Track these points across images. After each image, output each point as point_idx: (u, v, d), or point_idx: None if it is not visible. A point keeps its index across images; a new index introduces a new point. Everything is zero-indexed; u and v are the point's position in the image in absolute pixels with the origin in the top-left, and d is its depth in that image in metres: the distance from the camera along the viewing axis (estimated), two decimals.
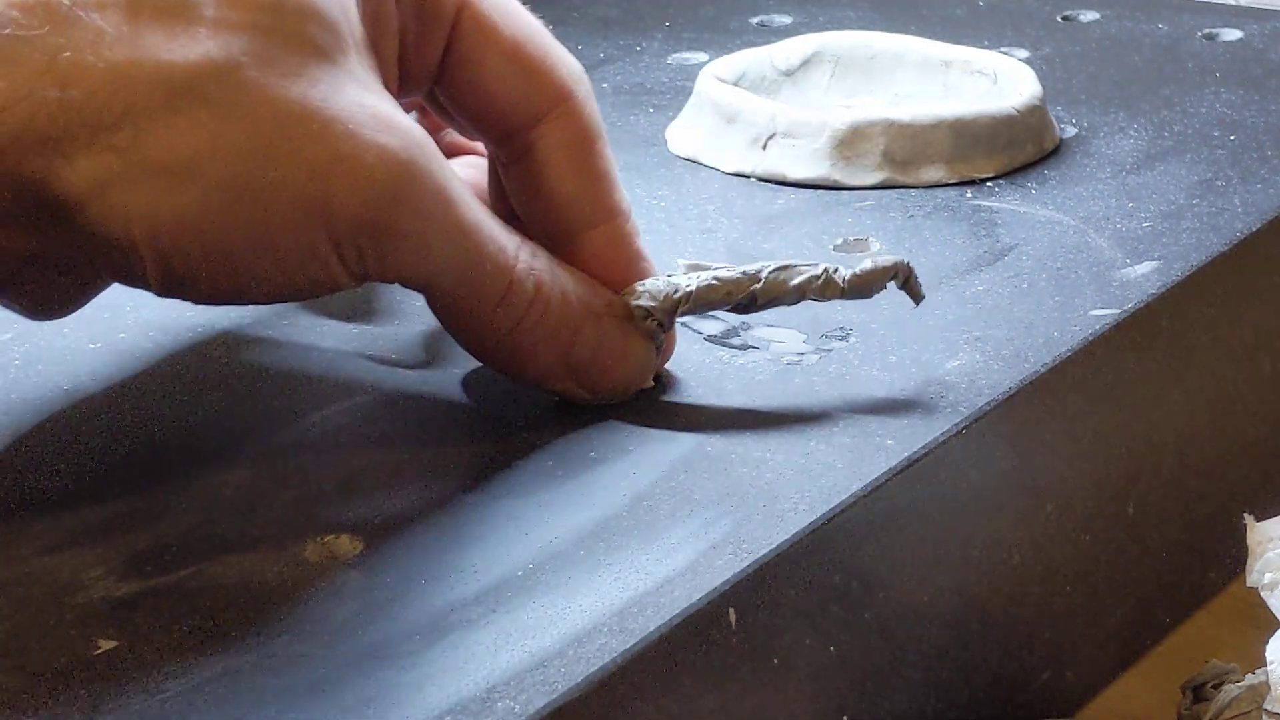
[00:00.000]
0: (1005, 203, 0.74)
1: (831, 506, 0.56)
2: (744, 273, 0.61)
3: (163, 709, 0.50)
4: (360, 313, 0.69)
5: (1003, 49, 0.86)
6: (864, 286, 0.61)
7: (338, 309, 0.69)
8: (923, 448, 0.59)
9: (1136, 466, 0.68)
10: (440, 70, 0.60)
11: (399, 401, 0.63)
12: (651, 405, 0.62)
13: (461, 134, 0.66)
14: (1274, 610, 0.65)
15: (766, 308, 0.61)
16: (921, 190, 0.75)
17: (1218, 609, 0.73)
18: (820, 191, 0.76)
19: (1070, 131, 0.79)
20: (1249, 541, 0.66)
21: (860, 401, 0.61)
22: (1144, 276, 0.67)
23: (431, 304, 0.60)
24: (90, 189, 0.51)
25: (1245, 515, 0.67)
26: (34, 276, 0.55)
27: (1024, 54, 0.87)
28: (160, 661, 0.51)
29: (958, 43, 0.84)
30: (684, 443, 0.60)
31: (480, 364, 0.64)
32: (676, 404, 0.62)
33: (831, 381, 0.62)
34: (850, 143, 0.76)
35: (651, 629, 0.51)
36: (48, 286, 0.55)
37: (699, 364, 0.64)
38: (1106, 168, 0.76)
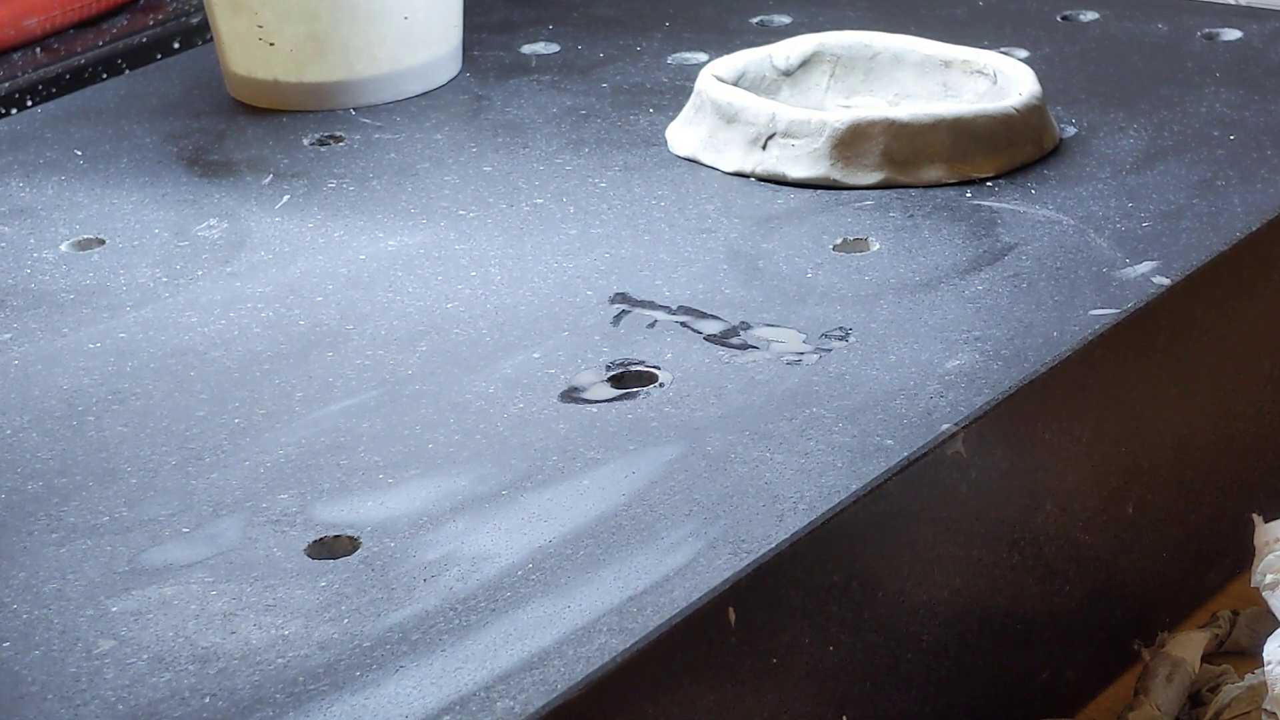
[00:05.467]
0: (1005, 203, 0.74)
1: (831, 506, 0.56)
2: None
3: (157, 708, 0.50)
4: (358, 313, 0.69)
5: (1003, 49, 0.86)
6: None
7: (335, 308, 0.69)
8: (923, 448, 0.59)
9: (1136, 466, 0.68)
10: None
11: (399, 401, 0.63)
12: (652, 405, 0.62)
13: None
14: (1275, 610, 0.65)
15: None
16: (921, 190, 0.75)
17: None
18: (820, 191, 0.76)
19: (1070, 131, 0.79)
20: (1255, 541, 0.66)
21: (860, 401, 0.61)
22: (1144, 276, 0.67)
23: None
24: None
25: (1254, 516, 0.67)
26: None
27: (1024, 54, 0.87)
28: (157, 660, 0.52)
29: (958, 43, 0.84)
30: (684, 443, 0.59)
31: (478, 366, 0.64)
32: (676, 404, 0.62)
33: (831, 381, 0.62)
34: (850, 143, 0.76)
35: (651, 629, 0.51)
36: None
37: (699, 364, 0.64)
38: (1106, 168, 0.76)
